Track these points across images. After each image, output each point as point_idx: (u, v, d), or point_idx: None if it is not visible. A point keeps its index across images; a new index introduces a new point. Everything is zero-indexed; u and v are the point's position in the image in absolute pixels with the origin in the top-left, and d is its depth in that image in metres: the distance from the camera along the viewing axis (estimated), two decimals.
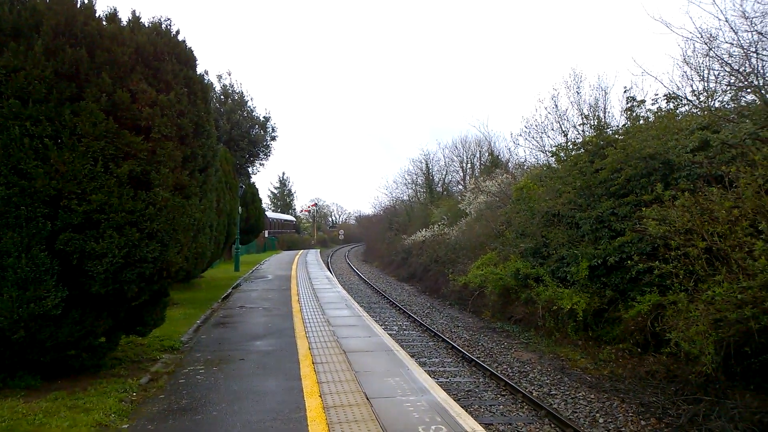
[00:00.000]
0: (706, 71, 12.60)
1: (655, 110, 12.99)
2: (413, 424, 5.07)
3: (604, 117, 18.77)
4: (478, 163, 39.30)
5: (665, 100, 12.89)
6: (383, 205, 53.17)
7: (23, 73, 5.64)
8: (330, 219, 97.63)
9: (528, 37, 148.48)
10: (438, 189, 42.29)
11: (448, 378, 9.65)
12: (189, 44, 7.55)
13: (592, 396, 8.53)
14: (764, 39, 10.72)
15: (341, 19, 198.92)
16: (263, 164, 37.12)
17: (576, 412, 7.90)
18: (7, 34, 5.84)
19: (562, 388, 9.06)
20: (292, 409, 5.54)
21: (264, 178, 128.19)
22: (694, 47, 19.78)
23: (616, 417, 7.61)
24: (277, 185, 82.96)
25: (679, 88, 14.05)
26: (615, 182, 11.71)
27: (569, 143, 15.61)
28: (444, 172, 43.35)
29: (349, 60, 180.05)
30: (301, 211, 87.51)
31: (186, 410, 5.59)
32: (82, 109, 5.89)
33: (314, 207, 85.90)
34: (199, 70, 7.68)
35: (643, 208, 9.50)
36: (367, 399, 5.83)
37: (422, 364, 10.04)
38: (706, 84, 12.77)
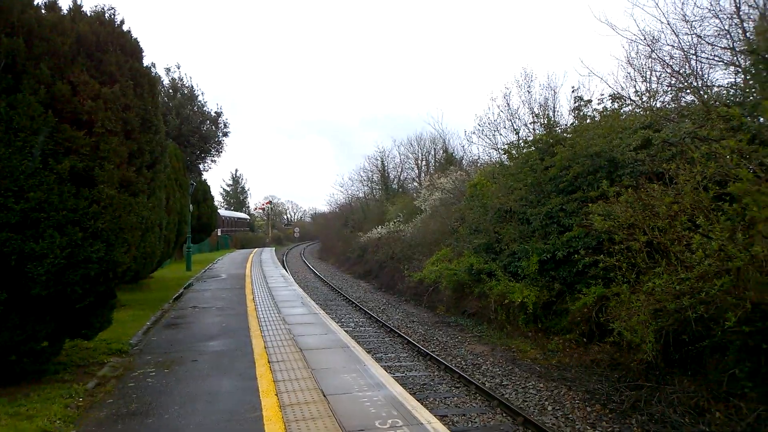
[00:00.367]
0: (648, 72, 13.30)
1: (601, 110, 13.53)
2: (370, 419, 5.11)
3: (554, 116, 19.42)
4: (433, 161, 39.84)
5: (610, 100, 13.47)
6: (339, 202, 53.07)
7: None
8: (285, 217, 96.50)
9: (482, 36, 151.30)
10: (394, 186, 42.55)
11: (404, 372, 9.76)
12: (135, 35, 7.28)
13: (541, 385, 8.84)
14: (703, 42, 11.40)
15: (297, 15, 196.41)
16: (215, 161, 36.18)
17: (526, 401, 8.18)
18: None
19: (513, 378, 9.35)
20: (247, 409, 5.46)
21: (216, 176, 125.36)
22: (638, 49, 20.80)
23: (564, 404, 7.92)
24: (230, 183, 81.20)
25: (623, 89, 14.73)
26: (564, 179, 12.14)
27: (521, 141, 16.03)
28: (399, 170, 43.73)
29: (306, 58, 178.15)
30: (256, 209, 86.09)
31: (136, 414, 5.41)
32: (19, 101, 5.58)
33: (269, 205, 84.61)
34: (146, 62, 7.44)
35: (590, 204, 9.92)
36: (324, 396, 5.82)
37: (379, 360, 10.11)
38: (648, 85, 13.47)
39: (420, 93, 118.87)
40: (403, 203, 31.60)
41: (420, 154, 41.16)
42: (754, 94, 10.47)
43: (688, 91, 11.84)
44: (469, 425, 7.26)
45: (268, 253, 37.95)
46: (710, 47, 11.31)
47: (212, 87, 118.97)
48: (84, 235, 5.82)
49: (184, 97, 32.64)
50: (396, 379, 7.05)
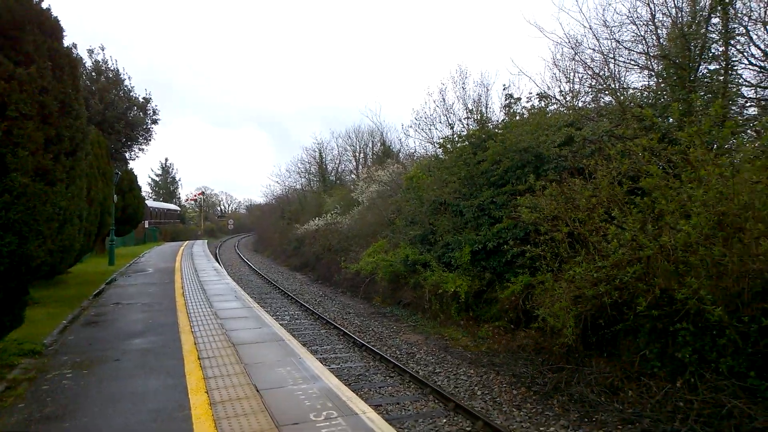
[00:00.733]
0: (572, 74, 13.99)
1: (530, 108, 14.14)
2: (305, 412, 5.10)
3: (486, 112, 20.01)
4: (371, 153, 39.97)
5: (538, 99, 14.11)
6: (276, 194, 52.08)
7: None
8: (218, 208, 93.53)
9: (420, 32, 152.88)
10: (331, 178, 42.30)
11: (339, 364, 9.80)
12: (55, 14, 6.77)
13: (472, 371, 9.18)
14: (621, 47, 12.15)
15: (235, 3, 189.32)
16: (143, 149, 34.27)
17: (457, 387, 8.47)
18: None
19: (445, 366, 9.64)
20: (175, 408, 5.28)
21: (145, 165, 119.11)
22: (563, 51, 21.87)
23: (492, 389, 8.29)
24: (160, 172, 77.42)
25: (549, 88, 15.41)
26: (495, 173, 12.59)
27: (455, 136, 16.45)
28: (337, 161, 43.51)
29: (240, 47, 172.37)
30: (187, 200, 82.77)
31: (51, 418, 5.08)
32: None
33: (201, 196, 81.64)
34: (67, 42, 6.93)
35: (518, 197, 10.36)
36: (257, 391, 5.74)
37: (314, 352, 10.08)
38: (572, 85, 14.17)
39: (359, 86, 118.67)
40: (341, 195, 31.53)
41: (358, 147, 41.21)
42: (665, 97, 11.33)
43: (607, 92, 12.60)
44: (403, 413, 7.42)
45: (200, 246, 36.63)
46: (627, 52, 12.08)
47: (143, 73, 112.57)
48: None
49: (109, 81, 30.61)
50: (332, 371, 7.06)
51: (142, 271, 20.20)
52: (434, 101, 35.14)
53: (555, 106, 13.89)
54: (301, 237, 31.01)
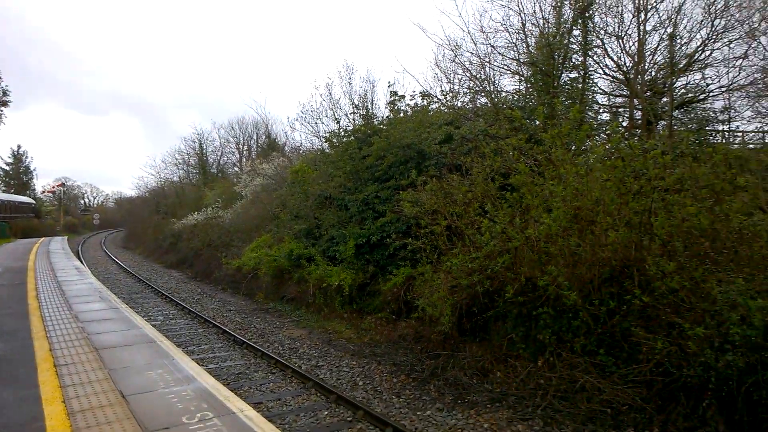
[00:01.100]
0: (452, 75, 14.77)
1: (413, 105, 14.62)
2: (177, 415, 4.79)
3: (372, 108, 20.29)
4: (255, 146, 38.69)
5: (421, 97, 14.63)
6: (150, 186, 48.08)
7: None
8: (82, 202, 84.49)
9: (308, 25, 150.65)
10: (213, 170, 40.26)
11: (218, 363, 9.37)
12: None
13: (354, 363, 9.31)
14: (495, 52, 13.04)
15: None
16: None
17: (340, 379, 8.53)
18: None
19: (328, 359, 9.66)
20: (27, 421, 4.66)
21: None
22: (444, 53, 22.97)
23: (373, 378, 8.47)
24: (11, 161, 67.61)
25: (431, 88, 16.14)
26: (379, 168, 12.85)
27: (341, 130, 16.49)
28: (219, 153, 41.49)
29: (114, 30, 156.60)
30: (44, 192, 73.41)
31: None
32: None
33: (61, 187, 73.04)
34: None
35: (401, 192, 10.68)
36: (123, 397, 5.27)
37: (190, 353, 9.54)
38: (452, 86, 14.96)
39: (243, 77, 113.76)
40: (223, 188, 30.18)
41: (242, 139, 39.68)
42: (533, 101, 12.40)
43: (483, 94, 13.49)
44: (284, 409, 7.30)
45: (59, 243, 32.75)
46: (501, 57, 13.02)
47: None
48: None
49: None
50: (209, 371, 6.73)
51: None
52: (321, 95, 35.00)
53: (436, 104, 14.52)
54: (179, 232, 29.17)
